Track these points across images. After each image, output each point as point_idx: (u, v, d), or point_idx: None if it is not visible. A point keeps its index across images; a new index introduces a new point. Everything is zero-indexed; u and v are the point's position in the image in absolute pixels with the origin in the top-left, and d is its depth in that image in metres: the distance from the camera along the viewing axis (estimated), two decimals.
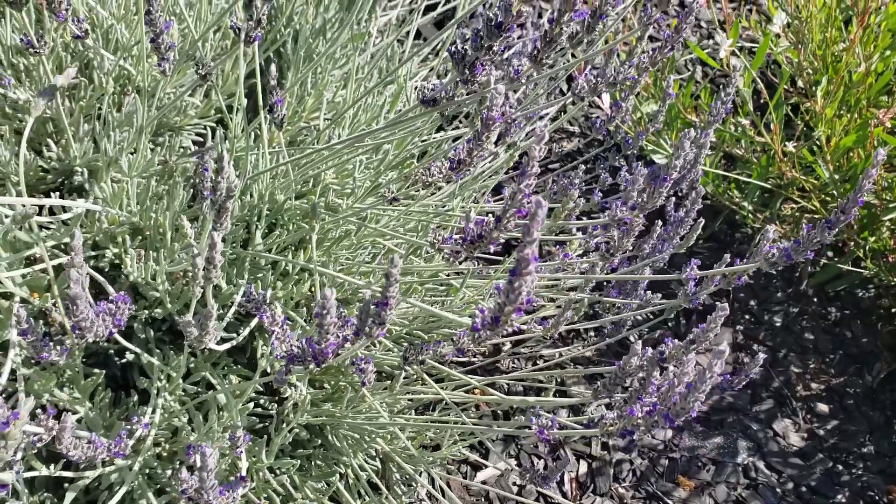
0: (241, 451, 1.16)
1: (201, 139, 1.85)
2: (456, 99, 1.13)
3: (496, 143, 1.20)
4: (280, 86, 1.86)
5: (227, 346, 1.18)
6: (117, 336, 1.10)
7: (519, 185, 0.94)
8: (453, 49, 1.04)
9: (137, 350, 1.27)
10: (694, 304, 1.52)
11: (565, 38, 1.00)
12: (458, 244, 1.10)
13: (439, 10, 2.18)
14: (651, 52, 1.39)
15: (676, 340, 1.19)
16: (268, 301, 1.26)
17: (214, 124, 1.82)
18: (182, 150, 1.76)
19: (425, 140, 1.83)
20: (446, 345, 1.36)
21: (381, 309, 0.97)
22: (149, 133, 1.41)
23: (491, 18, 0.96)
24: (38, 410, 0.99)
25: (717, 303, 1.23)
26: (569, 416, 2.09)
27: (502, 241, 1.02)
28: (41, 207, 1.49)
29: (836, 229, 1.17)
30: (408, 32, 2.23)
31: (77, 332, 0.91)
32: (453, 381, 1.72)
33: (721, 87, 1.62)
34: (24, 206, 1.02)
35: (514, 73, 1.06)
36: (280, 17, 1.97)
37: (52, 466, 1.15)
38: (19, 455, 0.90)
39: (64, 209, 1.42)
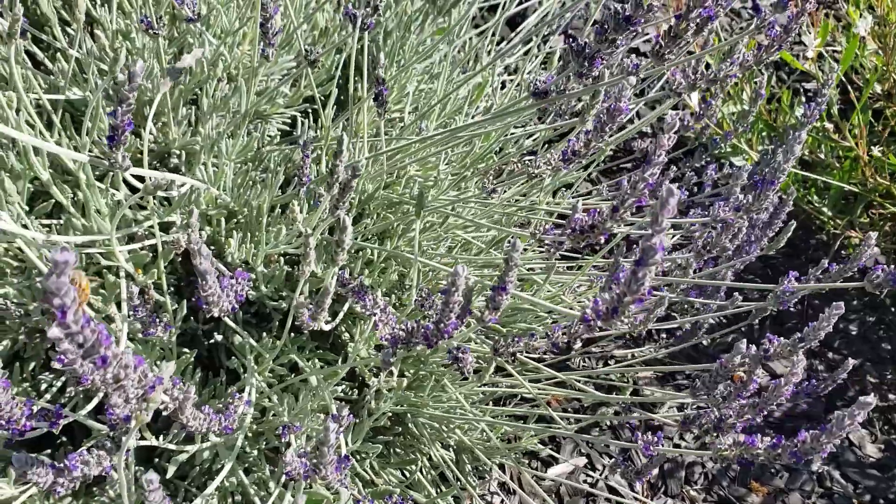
0: (341, 432, 1.17)
1: (287, 127, 1.88)
2: (567, 92, 1.13)
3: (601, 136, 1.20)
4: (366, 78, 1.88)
5: (329, 326, 1.19)
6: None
7: (643, 173, 0.93)
8: (574, 42, 1.04)
9: (238, 329, 1.29)
10: (784, 307, 1.50)
11: (690, 33, 0.99)
12: (565, 234, 1.10)
13: (513, 9, 2.19)
14: (756, 51, 1.38)
15: (781, 338, 1.17)
16: (366, 287, 1.28)
17: (299, 114, 1.84)
18: (269, 137, 1.79)
19: (505, 135, 1.84)
20: (539, 337, 1.36)
21: (497, 293, 0.98)
22: (247, 119, 1.43)
23: (619, 11, 0.96)
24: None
25: (792, 309, 1.21)
26: (641, 415, 2.08)
27: (614, 231, 1.02)
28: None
29: None
30: (484, 30, 2.23)
31: (205, 306, 0.93)
32: (524, 376, 1.72)
33: (798, 91, 1.61)
34: (153, 178, 1.05)
35: (632, 67, 1.06)
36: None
37: (160, 438, 1.17)
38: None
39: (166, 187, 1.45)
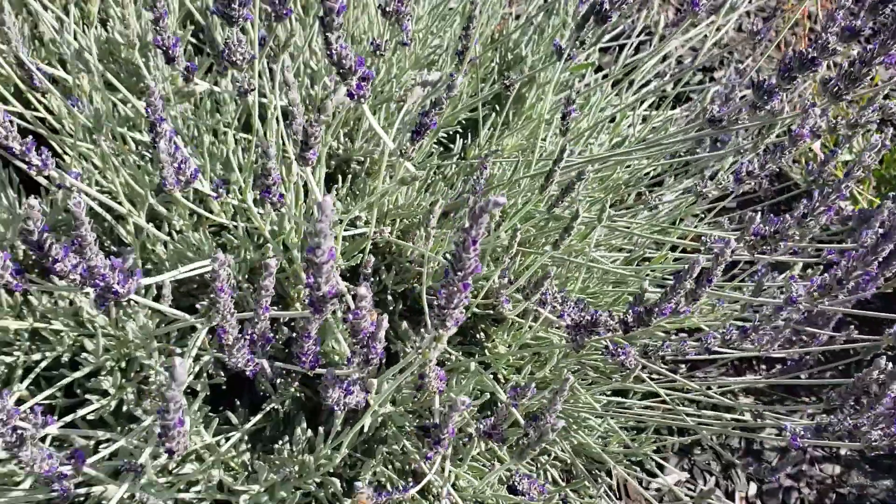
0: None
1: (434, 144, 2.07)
2: (739, 122, 1.30)
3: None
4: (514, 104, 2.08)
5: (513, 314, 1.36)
6: None
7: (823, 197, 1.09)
8: (757, 79, 1.20)
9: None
10: None
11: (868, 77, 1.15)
12: (743, 240, 1.25)
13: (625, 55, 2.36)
14: None
15: None
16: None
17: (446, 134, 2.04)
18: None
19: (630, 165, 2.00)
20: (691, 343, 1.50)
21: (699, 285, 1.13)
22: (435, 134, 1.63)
23: (804, 53, 1.12)
24: None
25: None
26: (741, 442, 2.20)
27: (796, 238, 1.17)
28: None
29: None
30: (607, 74, 2.41)
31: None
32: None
33: None
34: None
35: (808, 104, 1.22)
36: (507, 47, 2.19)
37: None
38: None
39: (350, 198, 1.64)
